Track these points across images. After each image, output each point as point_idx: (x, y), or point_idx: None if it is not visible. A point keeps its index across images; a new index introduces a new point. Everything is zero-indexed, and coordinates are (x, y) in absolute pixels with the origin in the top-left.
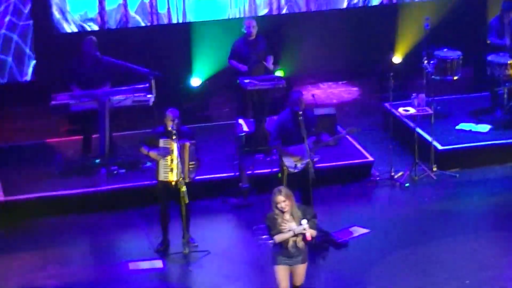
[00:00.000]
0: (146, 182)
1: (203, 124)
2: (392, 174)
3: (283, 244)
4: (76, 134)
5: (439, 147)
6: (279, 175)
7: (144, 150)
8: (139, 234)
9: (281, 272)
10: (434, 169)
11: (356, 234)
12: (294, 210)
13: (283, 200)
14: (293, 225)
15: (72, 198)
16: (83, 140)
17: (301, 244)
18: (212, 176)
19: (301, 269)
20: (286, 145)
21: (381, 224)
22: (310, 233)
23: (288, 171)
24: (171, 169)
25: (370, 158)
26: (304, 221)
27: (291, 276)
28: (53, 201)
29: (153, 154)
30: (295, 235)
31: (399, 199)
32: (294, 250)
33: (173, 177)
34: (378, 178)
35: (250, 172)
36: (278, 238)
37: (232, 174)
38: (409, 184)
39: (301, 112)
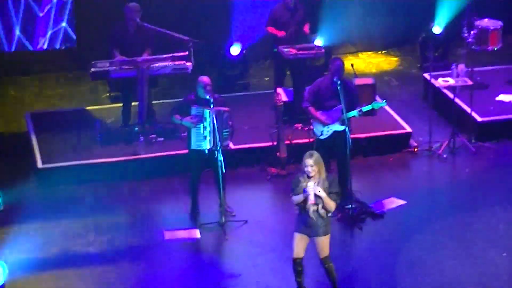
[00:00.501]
0: (184, 151)
1: (243, 93)
2: (431, 145)
3: (305, 212)
4: (116, 102)
5: (478, 118)
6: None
7: (177, 119)
8: (177, 202)
9: (297, 238)
10: (473, 140)
11: (393, 206)
12: (321, 178)
13: (311, 164)
14: (310, 185)
15: (111, 165)
16: (122, 107)
17: (322, 211)
18: (251, 145)
19: (322, 241)
20: (318, 110)
21: (418, 195)
22: (313, 194)
23: (315, 137)
24: (205, 137)
25: (409, 129)
26: (311, 183)
27: (316, 248)
28: (92, 168)
29: (186, 122)
30: (315, 204)
31: (437, 170)
32: (315, 219)
33: (206, 145)
34: (416, 149)
35: (288, 142)
36: (294, 198)
37: (271, 143)
38: (447, 155)
39: (339, 82)
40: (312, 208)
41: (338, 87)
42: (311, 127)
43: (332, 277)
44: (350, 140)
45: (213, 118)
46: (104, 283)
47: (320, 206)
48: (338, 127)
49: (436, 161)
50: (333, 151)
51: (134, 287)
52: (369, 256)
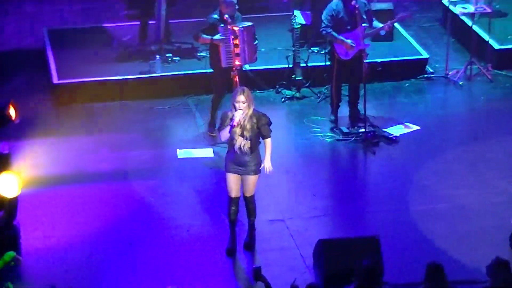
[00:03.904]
0: (200, 71)
1: (260, 15)
2: (447, 71)
3: (231, 149)
4: (134, 19)
5: (496, 46)
6: (330, 63)
7: (205, 38)
8: (191, 122)
9: (231, 179)
10: (490, 68)
11: (407, 131)
12: (250, 113)
13: (243, 100)
14: (237, 114)
15: (127, 83)
16: (139, 25)
17: (246, 148)
18: (267, 67)
19: (250, 180)
20: (338, 33)
21: (433, 122)
22: (238, 119)
23: (339, 58)
24: (237, 53)
25: (425, 55)
26: (240, 111)
27: (243, 186)
28: (108, 85)
29: (217, 40)
30: (242, 136)
31: (452, 97)
32: (245, 156)
33: (239, 61)
34: (432, 75)
35: (304, 65)
36: (222, 134)
37: (287, 66)
38: (463, 83)
39: (353, 2)
40: (238, 144)
41: (357, 10)
42: (333, 49)
43: (251, 220)
44: (366, 64)
45: (243, 35)
46: (116, 198)
47: (248, 142)
48: (362, 45)
49: (452, 88)
50: (350, 73)
51: (147, 203)
52: (381, 180)
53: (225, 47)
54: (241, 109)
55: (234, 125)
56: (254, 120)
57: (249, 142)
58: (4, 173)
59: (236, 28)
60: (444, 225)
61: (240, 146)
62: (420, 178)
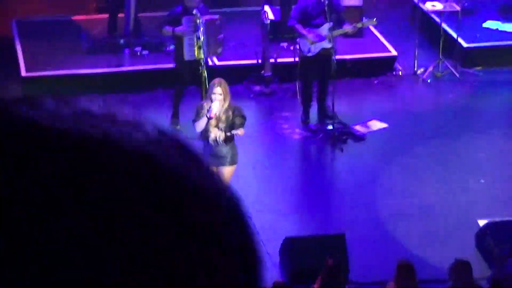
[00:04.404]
0: (169, 65)
1: (230, 9)
2: (415, 69)
3: (206, 141)
4: (103, 12)
5: (464, 44)
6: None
7: (168, 30)
8: (160, 116)
9: None
10: (458, 66)
11: (375, 128)
12: (226, 105)
13: (219, 92)
14: (214, 106)
15: (96, 76)
16: (109, 18)
17: (221, 139)
18: (236, 62)
19: (226, 171)
20: (305, 28)
21: (401, 119)
22: (216, 109)
23: (302, 54)
24: (199, 46)
25: (394, 52)
26: (216, 103)
27: None
28: (77, 78)
29: (179, 31)
30: (217, 127)
31: (421, 95)
32: (220, 147)
33: (200, 54)
34: (401, 73)
35: (273, 60)
36: (197, 124)
37: (256, 61)
38: (431, 80)
39: (327, 1)
40: (213, 135)
41: (326, 7)
42: (297, 45)
43: None
44: (335, 61)
45: (205, 27)
46: None
47: (223, 133)
48: (326, 44)
49: (420, 86)
50: (317, 70)
51: None
52: (348, 177)
53: (187, 40)
54: (218, 101)
55: (211, 117)
56: (230, 112)
57: (223, 133)
58: None
59: (198, 20)
60: (411, 223)
61: (216, 137)
62: (387, 175)
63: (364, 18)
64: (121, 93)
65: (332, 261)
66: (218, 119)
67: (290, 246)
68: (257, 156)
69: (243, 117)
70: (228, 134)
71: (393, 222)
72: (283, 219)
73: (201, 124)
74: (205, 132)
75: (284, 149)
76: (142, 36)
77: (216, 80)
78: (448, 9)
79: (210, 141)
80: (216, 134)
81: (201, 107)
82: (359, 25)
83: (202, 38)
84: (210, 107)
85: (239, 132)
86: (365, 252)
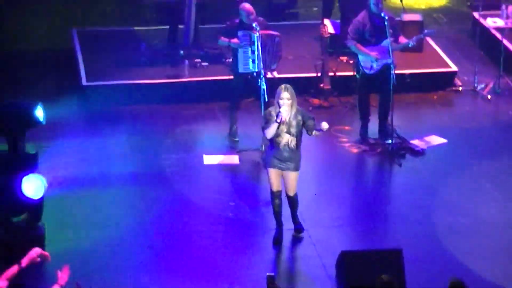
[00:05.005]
0: (228, 77)
1: (291, 22)
2: (475, 84)
3: (277, 146)
4: (163, 24)
5: None
6: (356, 75)
7: (223, 41)
8: (217, 128)
9: (273, 174)
10: None
11: (434, 144)
12: (294, 111)
13: (288, 97)
14: (283, 110)
15: (155, 87)
16: (169, 29)
17: (293, 144)
18: (295, 75)
19: (292, 176)
20: (364, 46)
21: (460, 135)
22: (286, 114)
23: (363, 71)
24: (253, 60)
25: (454, 68)
26: (285, 108)
27: (284, 184)
28: (136, 89)
29: (234, 43)
30: (288, 133)
31: (480, 111)
32: (288, 153)
33: (255, 67)
34: (460, 88)
35: (332, 74)
36: (267, 131)
37: (315, 74)
38: (491, 97)
39: (378, 15)
40: (285, 141)
41: (386, 22)
42: (358, 62)
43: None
44: (394, 75)
45: (260, 41)
46: (140, 202)
47: (294, 138)
48: (387, 60)
49: (480, 102)
50: (377, 86)
51: (172, 209)
52: (406, 192)
53: (242, 52)
54: (286, 106)
55: (282, 121)
56: (299, 117)
57: (295, 138)
58: (30, 175)
59: (255, 34)
60: (468, 240)
61: (287, 142)
62: (445, 191)
63: (425, 30)
64: (181, 104)
65: (386, 277)
66: (288, 124)
67: (346, 260)
68: (315, 169)
69: (313, 118)
70: (316, 133)
71: (450, 239)
72: (340, 232)
73: (271, 131)
74: (276, 137)
75: (342, 163)
76: (202, 47)
77: (283, 86)
78: (509, 25)
79: (281, 147)
80: (288, 139)
81: (269, 114)
82: (416, 38)
83: (257, 52)
84: (279, 112)
85: (324, 126)
86: (422, 268)
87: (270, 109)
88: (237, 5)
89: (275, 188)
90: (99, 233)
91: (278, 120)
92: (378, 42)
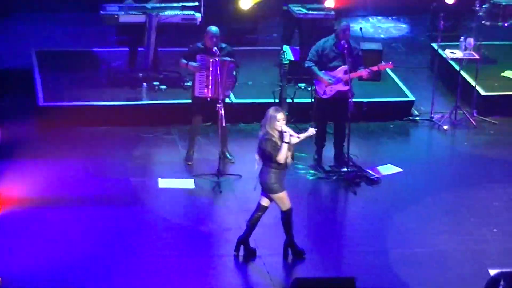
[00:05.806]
0: (186, 100)
1: (250, 48)
2: (432, 115)
3: (283, 167)
4: (123, 46)
5: (482, 92)
6: (312, 99)
7: (183, 63)
8: (174, 152)
9: (285, 194)
10: (475, 114)
11: (389, 172)
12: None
13: (283, 118)
14: (285, 129)
15: (113, 109)
16: (129, 52)
17: (289, 160)
18: (253, 101)
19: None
20: (320, 69)
21: (416, 165)
22: (291, 131)
23: (317, 96)
24: (206, 85)
25: (411, 97)
26: (285, 128)
27: (279, 203)
28: (94, 110)
29: (191, 66)
30: (289, 150)
31: (436, 141)
32: (285, 170)
33: (208, 93)
34: (417, 118)
35: (290, 100)
36: (281, 156)
37: (273, 100)
38: (448, 127)
39: (343, 42)
40: (288, 158)
41: (345, 51)
42: (314, 87)
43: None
44: (352, 103)
45: (216, 68)
46: (97, 224)
47: (289, 153)
48: (341, 86)
49: (436, 132)
50: (333, 113)
51: (127, 230)
52: (361, 220)
53: (199, 76)
54: (284, 125)
55: (290, 138)
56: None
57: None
58: None
59: (211, 59)
60: (422, 270)
61: (291, 160)
62: (400, 221)
63: (382, 62)
64: (138, 127)
65: None
66: (289, 143)
67: (299, 287)
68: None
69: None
70: (307, 135)
71: (404, 268)
72: (294, 260)
73: (283, 153)
74: (285, 158)
75: (298, 190)
76: (161, 71)
77: (272, 108)
78: (467, 57)
79: (287, 165)
80: (289, 155)
81: (274, 143)
82: (374, 68)
83: (211, 77)
84: (283, 132)
85: (311, 132)
86: None
87: (267, 137)
88: (200, 30)
89: (290, 205)
90: (54, 256)
91: (287, 140)
92: (335, 68)
